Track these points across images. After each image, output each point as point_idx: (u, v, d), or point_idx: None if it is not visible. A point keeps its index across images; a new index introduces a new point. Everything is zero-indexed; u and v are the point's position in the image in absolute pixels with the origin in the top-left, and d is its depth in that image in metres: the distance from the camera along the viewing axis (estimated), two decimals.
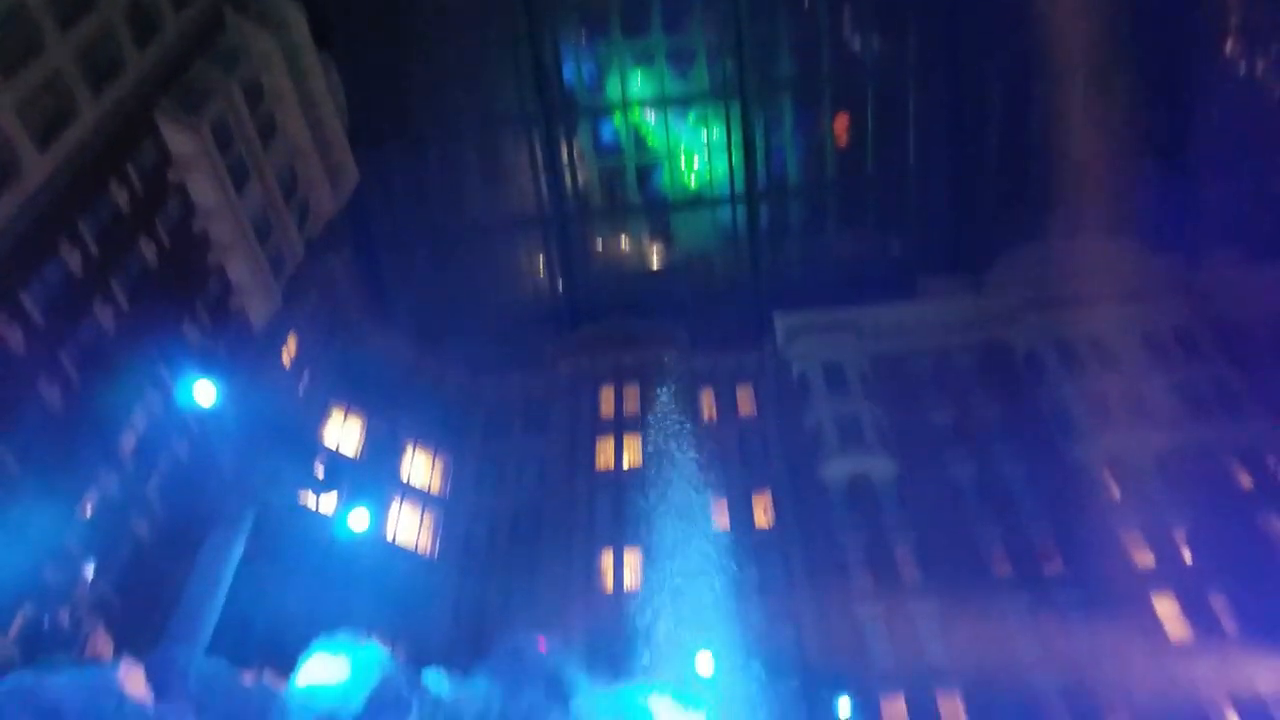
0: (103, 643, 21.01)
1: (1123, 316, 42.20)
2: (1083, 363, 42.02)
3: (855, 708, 33.27)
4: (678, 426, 45.17)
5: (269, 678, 19.13)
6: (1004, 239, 46.53)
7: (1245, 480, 37.48)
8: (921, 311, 45.56)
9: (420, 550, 40.11)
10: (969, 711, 33.18)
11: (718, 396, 46.92)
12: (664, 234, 52.71)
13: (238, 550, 24.95)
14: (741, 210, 50.78)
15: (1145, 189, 42.84)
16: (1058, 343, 42.84)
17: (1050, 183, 44.34)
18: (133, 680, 17.37)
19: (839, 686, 33.64)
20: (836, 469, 40.66)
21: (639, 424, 45.70)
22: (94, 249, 26.80)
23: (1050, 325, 43.05)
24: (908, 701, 33.80)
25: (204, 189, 31.86)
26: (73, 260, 25.89)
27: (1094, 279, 41.39)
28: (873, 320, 45.49)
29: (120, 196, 28.17)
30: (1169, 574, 35.52)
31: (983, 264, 46.40)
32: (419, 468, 43.17)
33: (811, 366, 44.51)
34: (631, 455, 44.86)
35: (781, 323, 46.22)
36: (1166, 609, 34.61)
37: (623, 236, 53.01)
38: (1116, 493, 38.08)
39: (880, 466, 40.46)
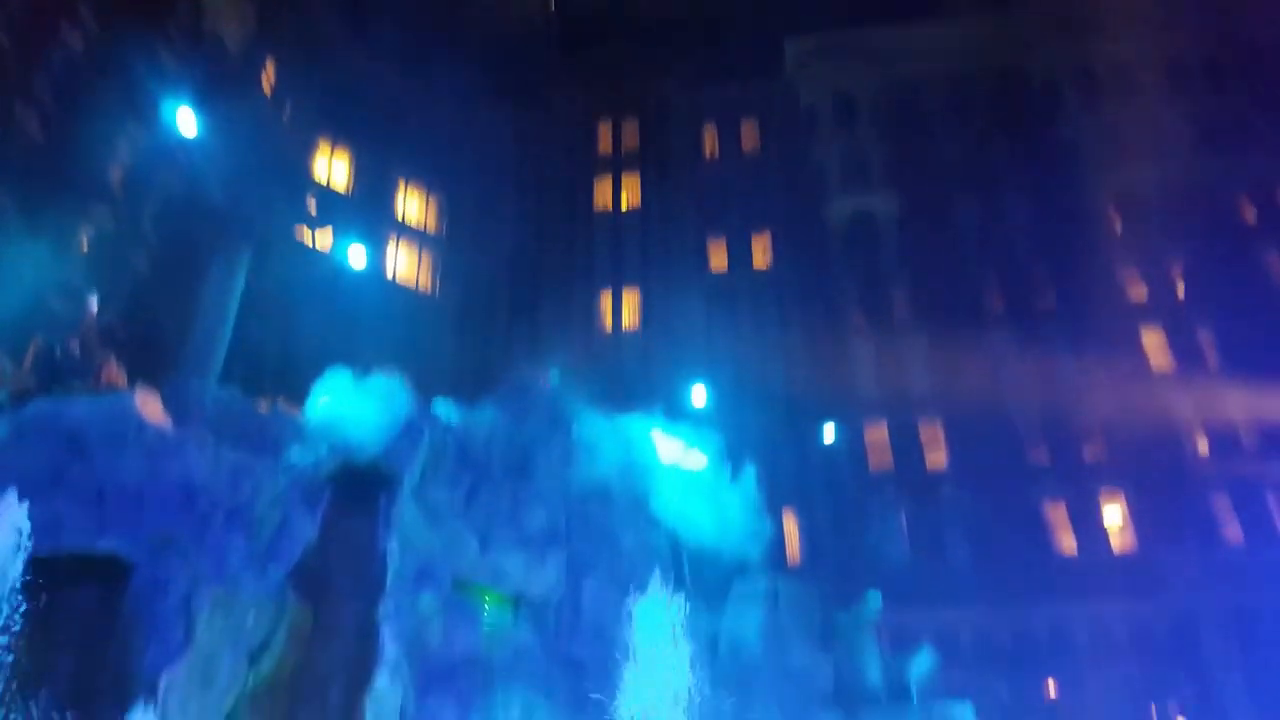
0: (115, 373, 21.44)
1: (1151, 42, 40.01)
2: (1102, 92, 40.30)
3: (839, 433, 35.02)
4: (678, 164, 44.11)
5: (283, 406, 19.73)
6: None
7: (1249, 214, 37.18)
8: (941, 33, 42.86)
9: (421, 289, 40.41)
10: (948, 438, 34.95)
11: (720, 132, 45.34)
12: None
13: (239, 284, 25.08)
14: None
15: None
16: (1078, 70, 40.89)
17: None
18: (150, 407, 17.86)
19: (824, 414, 35.21)
20: (839, 207, 40.17)
21: (637, 162, 44.60)
22: None
23: (1073, 50, 40.86)
24: (889, 428, 35.51)
25: None
26: None
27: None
28: (889, 43, 42.87)
29: None
30: (1160, 307, 36.16)
31: None
32: (412, 206, 42.54)
33: (821, 97, 42.69)
34: (630, 194, 44.15)
35: (792, 48, 43.78)
36: (1153, 341, 35.54)
37: None
38: (1119, 228, 37.94)
39: (884, 204, 39.93)
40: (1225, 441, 33.09)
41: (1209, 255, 36.12)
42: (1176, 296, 36.56)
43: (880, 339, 37.18)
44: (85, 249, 24.81)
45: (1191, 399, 33.38)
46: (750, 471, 20.19)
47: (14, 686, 12.20)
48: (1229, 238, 36.46)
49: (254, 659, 14.70)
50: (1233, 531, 31.55)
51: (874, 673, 19.11)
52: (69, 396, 18.09)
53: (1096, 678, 28.64)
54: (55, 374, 21.75)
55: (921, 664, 19.79)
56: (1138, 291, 36.85)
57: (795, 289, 39.43)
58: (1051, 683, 30.13)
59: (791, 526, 33.65)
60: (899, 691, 19.04)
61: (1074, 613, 30.17)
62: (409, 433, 16.96)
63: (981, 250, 38.40)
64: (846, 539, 32.72)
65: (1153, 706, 29.20)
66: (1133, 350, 35.05)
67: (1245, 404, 32.61)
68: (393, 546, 15.84)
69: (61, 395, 18.17)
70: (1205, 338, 35.42)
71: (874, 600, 20.14)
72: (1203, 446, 33.49)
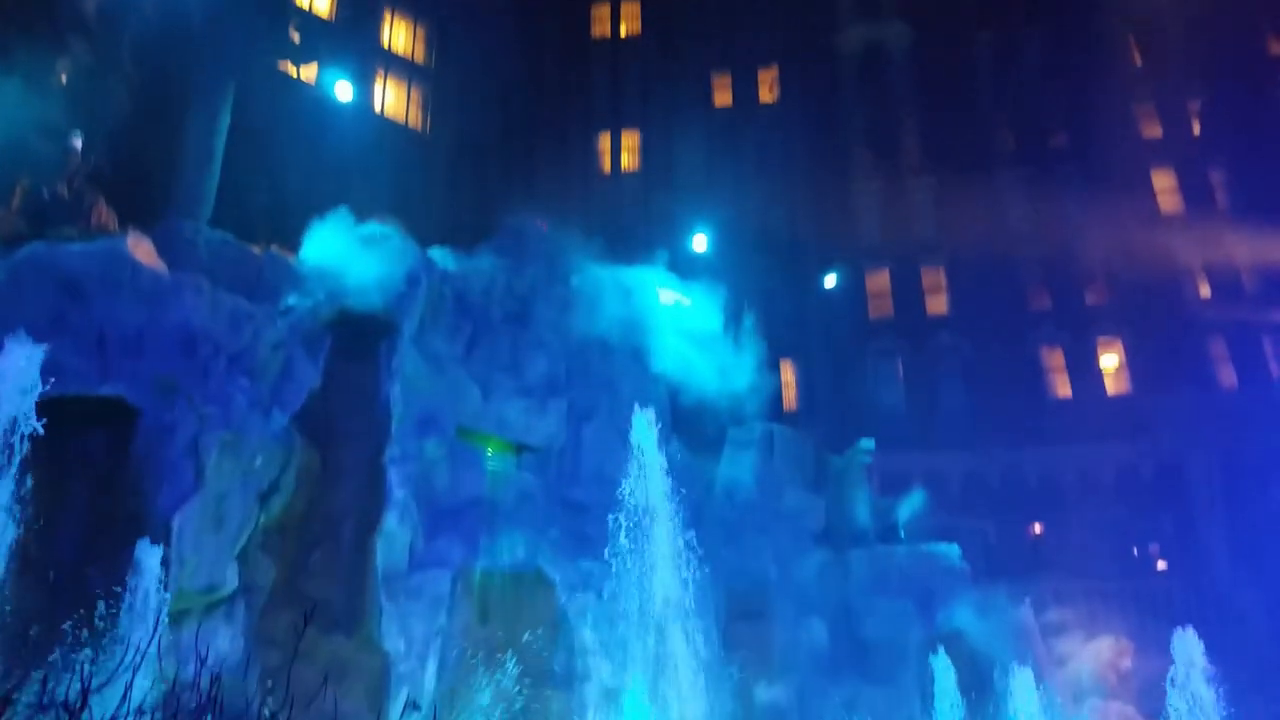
0: (106, 216, 21.10)
1: None
2: None
3: (840, 280, 34.85)
4: None
5: (276, 251, 19.52)
6: None
7: (1276, 49, 35.61)
8: None
9: (410, 125, 39.14)
10: (950, 283, 34.76)
11: None
12: None
13: (224, 121, 24.26)
14: None
15: None
16: None
17: None
18: (143, 251, 17.68)
19: (827, 261, 34.92)
20: (850, 37, 38.31)
21: None
22: None
23: None
24: (891, 274, 35.28)
25: None
26: None
27: None
28: None
29: None
30: (1173, 147, 35.16)
31: None
32: (399, 36, 40.60)
33: None
34: (629, 22, 42.05)
35: None
36: (1163, 182, 34.77)
37: None
38: (1138, 60, 36.45)
39: (896, 34, 38.03)
40: (1227, 285, 32.89)
41: (1229, 91, 34.77)
42: (1191, 134, 35.49)
43: (887, 180, 36.30)
44: (64, 84, 23.83)
45: (1197, 241, 32.91)
46: (749, 321, 20.22)
47: (31, 527, 12.55)
48: (1252, 73, 34.99)
49: (264, 500, 15.14)
50: (1227, 376, 31.84)
51: (863, 514, 19.82)
52: (62, 240, 17.85)
53: (1081, 521, 29.65)
54: (45, 217, 21.39)
55: (910, 506, 20.50)
56: (1151, 129, 35.77)
57: (802, 126, 38.12)
58: (1037, 525, 31.33)
59: (789, 374, 33.93)
60: (887, 532, 19.79)
61: (1064, 456, 30.84)
62: (407, 281, 16.87)
63: (995, 84, 36.94)
64: (843, 386, 33.06)
65: (1134, 550, 30.41)
66: (1142, 192, 34.36)
67: (1250, 247, 32.23)
68: (395, 393, 16.06)
69: (54, 239, 17.93)
70: (1216, 178, 34.62)
71: (866, 445, 20.64)
72: (1204, 290, 33.35)
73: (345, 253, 17.56)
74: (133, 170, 23.18)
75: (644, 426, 14.53)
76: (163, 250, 18.08)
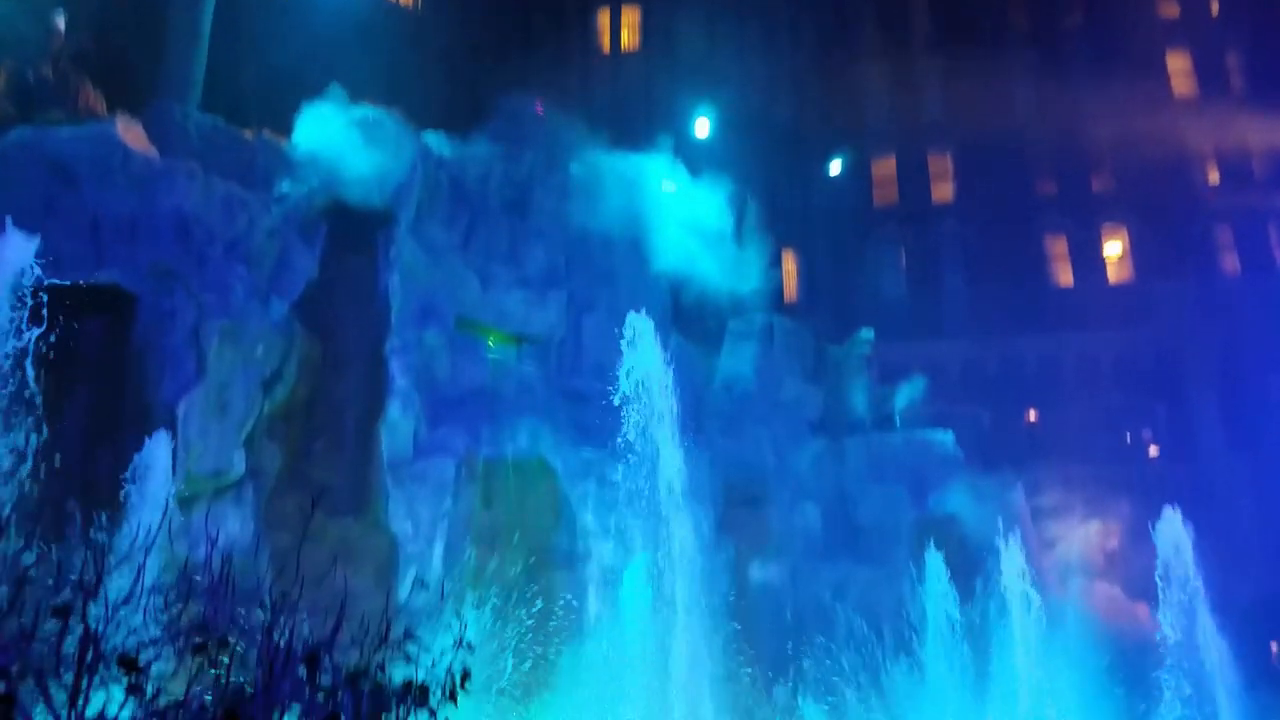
0: (93, 99, 20.56)
1: None
2: None
3: (845, 167, 34.22)
4: None
5: (268, 135, 19.10)
6: None
7: None
8: None
9: (402, 1, 37.70)
10: (956, 170, 34.14)
11: None
12: None
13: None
14: None
15: None
16: None
17: None
18: (133, 135, 17.32)
19: (831, 147, 34.20)
20: None
21: None
22: None
23: None
24: (898, 161, 34.61)
25: None
26: None
27: None
28: None
29: None
30: (1190, 28, 34.03)
31: None
32: None
33: None
34: None
35: None
36: (1178, 64, 33.79)
37: None
38: None
39: None
40: (1236, 171, 32.32)
41: None
42: (1210, 14, 34.29)
43: (895, 61, 35.07)
44: None
45: (1209, 126, 32.15)
46: (753, 213, 19.91)
47: (37, 414, 12.64)
48: None
49: (267, 389, 15.26)
50: (1230, 263, 31.64)
51: (861, 403, 20.03)
52: (50, 125, 17.46)
53: (1078, 407, 29.84)
54: (31, 99, 20.84)
55: (908, 394, 20.69)
56: (1169, 8, 34.50)
57: (809, 1, 36.67)
58: (1033, 412, 31.58)
59: (790, 264, 33.56)
60: (883, 420, 20.03)
61: (1063, 344, 30.86)
62: (403, 171, 16.55)
63: None
64: (844, 276, 32.81)
65: (1128, 436, 30.73)
66: (1156, 74, 33.37)
67: (1263, 133, 31.49)
68: (394, 283, 15.99)
69: (42, 123, 17.53)
70: (1233, 61, 33.61)
71: (866, 335, 20.71)
72: (1213, 176, 32.82)
73: (339, 138, 17.15)
74: (117, 51, 22.44)
75: (641, 323, 14.52)
76: (153, 135, 17.69)
